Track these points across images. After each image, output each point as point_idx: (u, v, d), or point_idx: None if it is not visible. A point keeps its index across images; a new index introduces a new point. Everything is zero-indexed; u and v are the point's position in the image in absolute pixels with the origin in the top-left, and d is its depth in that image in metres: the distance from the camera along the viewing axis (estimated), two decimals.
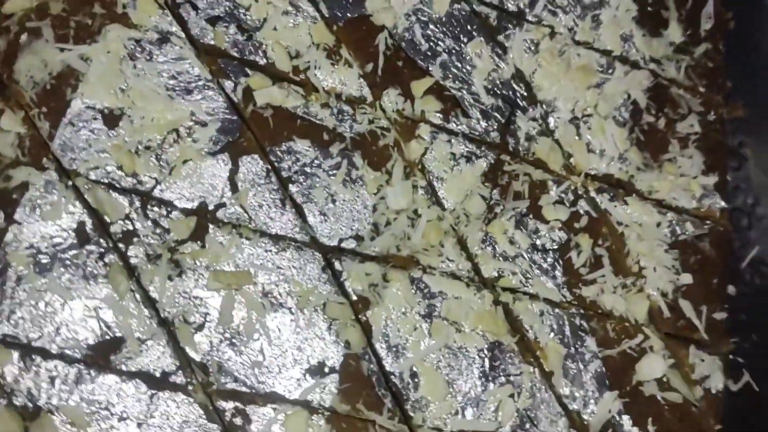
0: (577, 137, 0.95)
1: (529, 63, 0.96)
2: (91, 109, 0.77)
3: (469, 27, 0.94)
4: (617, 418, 0.86)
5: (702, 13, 1.06)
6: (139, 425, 0.72)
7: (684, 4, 1.06)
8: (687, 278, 0.94)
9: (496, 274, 0.86)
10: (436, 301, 0.83)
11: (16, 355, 0.71)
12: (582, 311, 0.88)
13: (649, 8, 1.03)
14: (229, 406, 0.74)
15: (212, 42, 0.84)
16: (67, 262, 0.73)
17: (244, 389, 0.75)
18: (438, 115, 0.90)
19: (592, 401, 0.85)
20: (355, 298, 0.80)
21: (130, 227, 0.76)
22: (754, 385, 0.90)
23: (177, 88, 0.81)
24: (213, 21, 0.84)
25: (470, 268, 0.85)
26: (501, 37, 0.96)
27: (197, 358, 0.74)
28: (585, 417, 0.84)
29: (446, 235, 0.85)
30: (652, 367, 0.88)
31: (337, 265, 0.81)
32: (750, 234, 1.00)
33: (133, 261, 0.75)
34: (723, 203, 0.99)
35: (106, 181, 0.76)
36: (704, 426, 0.89)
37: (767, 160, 1.01)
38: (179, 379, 0.74)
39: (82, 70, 0.78)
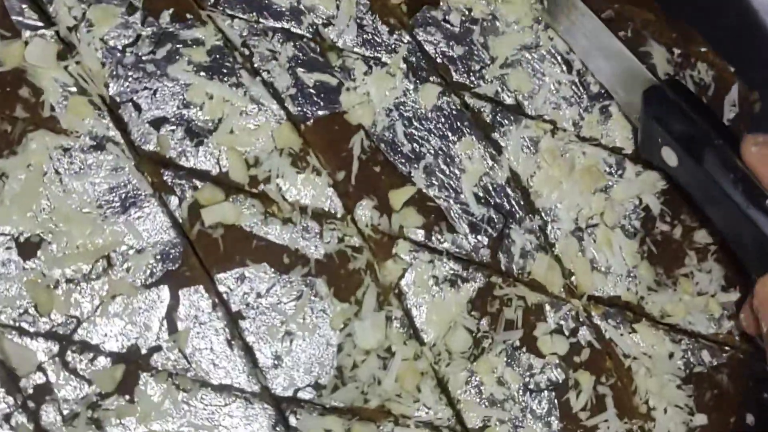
0: (579, 252, 0.83)
1: (527, 164, 0.84)
2: (2, 235, 0.66)
3: (459, 124, 0.82)
4: None
5: (725, 100, 0.94)
6: None
7: (706, 91, 0.94)
8: (701, 419, 0.82)
9: (482, 424, 0.74)
10: None
11: None
12: None
13: None
14: None
15: (155, 149, 0.72)
16: None
17: None
18: (419, 230, 0.77)
19: None
20: None
21: (43, 380, 0.64)
22: None
23: (110, 206, 0.69)
24: (158, 123, 0.72)
25: (451, 416, 0.73)
26: (496, 135, 0.84)
27: None
28: None
29: (424, 376, 0.73)
30: None
31: (291, 420, 0.68)
32: None
33: (44, 423, 0.63)
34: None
35: (16, 325, 0.64)
36: None
37: None
38: None
39: None
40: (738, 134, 0.79)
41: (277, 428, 0.68)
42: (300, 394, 0.69)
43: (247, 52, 0.77)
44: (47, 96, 0.70)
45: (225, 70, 0.75)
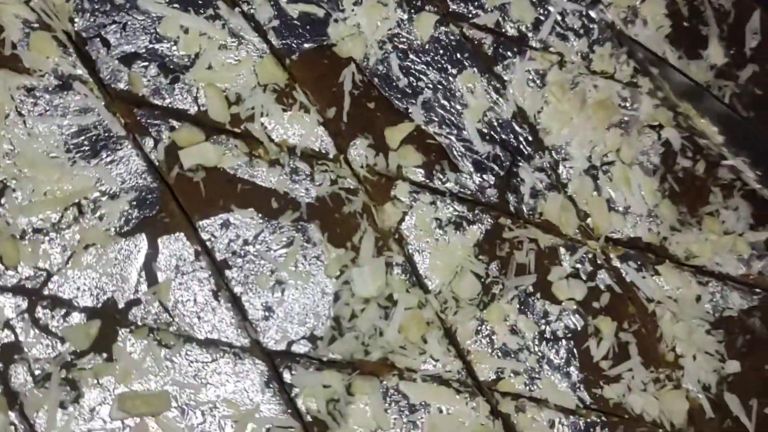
0: (595, 192, 0.76)
1: (534, 99, 0.77)
2: None
3: (459, 56, 0.76)
4: None
5: (747, 28, 0.87)
6: None
7: (726, 18, 0.87)
8: (734, 366, 0.75)
9: (495, 376, 0.68)
10: (416, 416, 0.64)
11: None
12: (604, 418, 0.69)
13: (685, 23, 0.84)
14: None
15: (127, 87, 0.66)
16: None
17: None
18: (419, 170, 0.71)
19: None
20: (309, 419, 0.62)
21: (12, 339, 0.58)
22: None
23: (80, 149, 0.63)
24: (128, 60, 0.66)
25: (461, 368, 0.67)
26: (499, 68, 0.77)
27: None
28: None
29: (430, 326, 0.67)
30: None
31: (285, 376, 0.62)
32: None
33: (14, 384, 0.57)
34: None
35: None
36: None
37: None
38: None
39: None
40: None
41: (271, 385, 0.62)
42: (294, 348, 0.63)
43: None
44: (8, 33, 0.64)
45: (201, 2, 0.69)
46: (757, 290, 0.79)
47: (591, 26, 0.81)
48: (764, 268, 0.80)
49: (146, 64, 0.67)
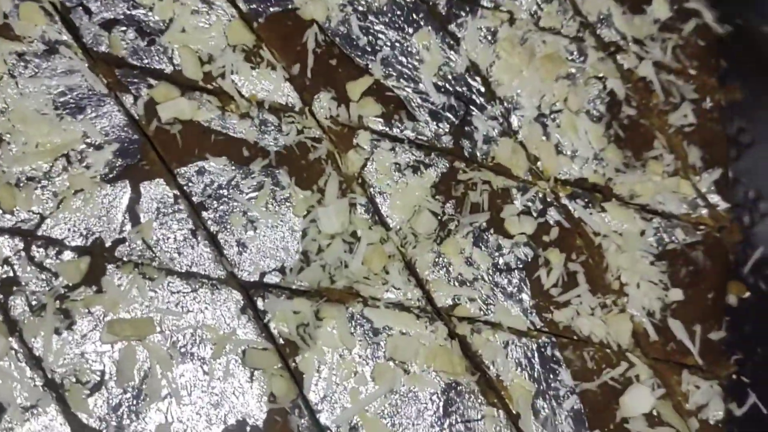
0: (544, 137, 0.83)
1: (486, 54, 0.83)
2: None
3: (414, 15, 0.82)
4: None
5: None
6: None
7: None
8: (677, 294, 0.82)
9: (451, 302, 0.74)
10: (380, 338, 0.71)
11: None
12: (554, 339, 0.76)
13: None
14: None
15: (108, 50, 0.72)
16: None
17: None
18: (379, 120, 0.78)
19: None
20: (281, 342, 0.69)
21: (10, 274, 0.65)
22: (762, 408, 0.78)
23: (67, 107, 0.70)
24: (108, 25, 0.73)
25: (420, 296, 0.74)
26: (452, 26, 0.83)
27: (93, 424, 0.63)
28: None
29: (391, 259, 0.74)
30: (639, 399, 0.76)
31: (259, 303, 0.69)
32: (753, 233, 0.87)
33: (13, 314, 0.64)
34: (723, 203, 0.86)
35: None
36: None
37: None
38: None
39: None
40: None
41: (246, 311, 0.69)
42: (266, 279, 0.70)
43: None
44: (0, 5, 0.71)
45: None
46: (701, 226, 0.86)
47: None
48: (710, 206, 0.87)
49: (125, 29, 0.73)
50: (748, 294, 0.85)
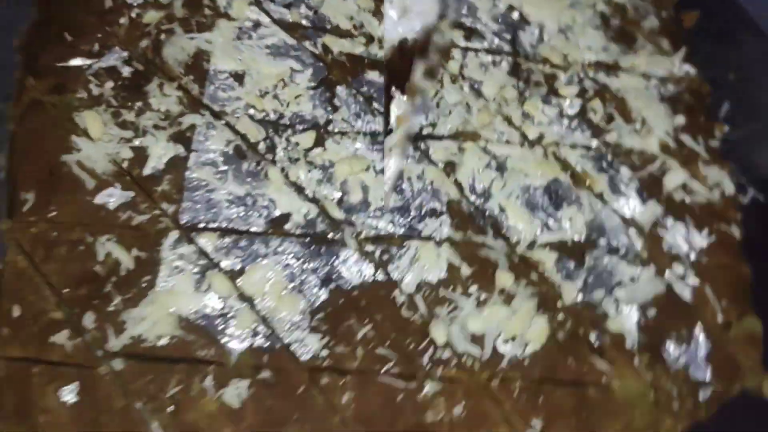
0: (567, 41, 1.25)
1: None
2: (222, 72, 1.05)
3: None
4: (661, 220, 1.10)
5: None
6: None
7: None
8: (681, 119, 1.21)
9: (539, 135, 1.12)
10: (501, 159, 1.08)
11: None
12: (610, 151, 1.14)
13: None
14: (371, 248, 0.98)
15: (291, 20, 1.13)
16: (236, 172, 0.99)
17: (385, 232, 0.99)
18: (463, 41, 1.19)
19: (638, 207, 1.09)
20: (441, 165, 1.06)
21: (270, 144, 1.02)
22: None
23: (276, 53, 1.09)
24: (288, 6, 1.14)
25: (519, 135, 1.12)
26: None
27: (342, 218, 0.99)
28: (637, 219, 1.08)
29: (494, 116, 1.12)
30: (675, 178, 1.13)
31: (422, 145, 1.07)
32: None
33: (278, 164, 1.01)
34: (692, 70, 1.28)
35: (246, 116, 1.03)
36: (729, 215, 1.14)
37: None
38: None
39: (209, 49, 1.07)
40: None
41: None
42: (423, 132, 1.08)
43: None
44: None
45: None
46: (681, 83, 1.27)
47: None
48: (687, 70, 1.28)
49: (298, 6, 1.15)
50: None
